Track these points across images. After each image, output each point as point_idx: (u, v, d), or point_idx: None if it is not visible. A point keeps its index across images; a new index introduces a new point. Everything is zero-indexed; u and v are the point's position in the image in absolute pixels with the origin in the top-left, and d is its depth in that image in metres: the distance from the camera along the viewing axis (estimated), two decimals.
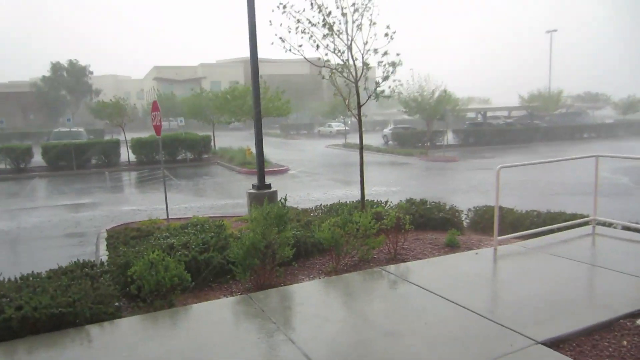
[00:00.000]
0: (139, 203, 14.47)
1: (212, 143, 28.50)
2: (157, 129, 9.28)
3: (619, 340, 3.95)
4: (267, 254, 5.61)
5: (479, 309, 4.56)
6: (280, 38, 7.52)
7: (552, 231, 7.31)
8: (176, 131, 33.14)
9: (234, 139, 39.80)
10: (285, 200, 6.32)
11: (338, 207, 8.70)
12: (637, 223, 7.35)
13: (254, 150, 21.57)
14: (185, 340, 4.16)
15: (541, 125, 43.45)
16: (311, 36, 7.46)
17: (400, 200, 8.91)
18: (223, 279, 5.84)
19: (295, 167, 23.60)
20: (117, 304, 4.91)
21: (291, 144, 41.60)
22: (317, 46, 7.53)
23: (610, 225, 7.52)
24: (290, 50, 7.66)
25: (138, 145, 24.91)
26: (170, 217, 10.10)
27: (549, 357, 3.67)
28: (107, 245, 7.61)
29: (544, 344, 3.86)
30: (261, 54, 9.18)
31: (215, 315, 4.71)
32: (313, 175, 21.03)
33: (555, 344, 3.88)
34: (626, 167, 20.31)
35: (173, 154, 25.79)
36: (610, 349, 3.81)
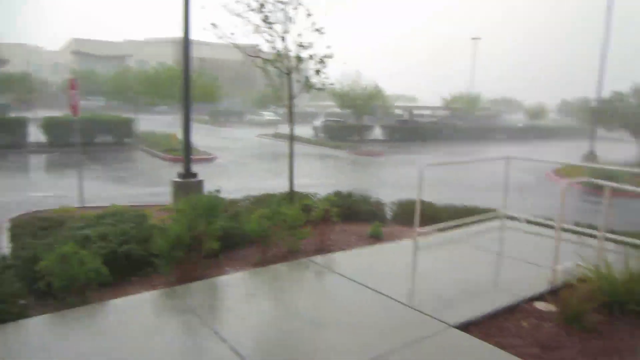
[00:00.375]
0: (49, 189, 13.46)
1: (135, 126, 27.28)
2: (74, 109, 8.76)
3: (519, 322, 4.30)
4: (193, 246, 5.53)
5: (399, 296, 4.77)
6: (213, 24, 7.37)
7: (466, 224, 7.83)
8: (95, 112, 31.28)
9: (158, 123, 38.19)
10: (219, 191, 6.24)
11: (267, 198, 8.70)
12: (537, 217, 8.10)
13: (180, 136, 20.94)
14: (102, 340, 3.95)
15: (462, 125, 46.00)
16: (247, 22, 7.37)
17: (329, 193, 9.07)
18: (144, 272, 5.65)
19: (224, 156, 23.18)
20: (22, 302, 4.53)
21: (220, 131, 40.68)
22: (255, 31, 7.43)
23: (515, 219, 8.20)
24: (222, 38, 7.54)
25: (50, 125, 22.83)
26: (85, 205, 9.57)
27: (460, 339, 3.95)
28: (11, 237, 6.95)
29: (456, 327, 4.14)
30: (196, 35, 8.93)
31: (136, 311, 4.53)
32: (242, 164, 20.79)
33: (465, 327, 4.17)
34: (532, 168, 22.09)
35: (91, 136, 23.92)
36: (512, 330, 4.14)
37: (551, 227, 7.34)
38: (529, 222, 8.03)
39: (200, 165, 18.95)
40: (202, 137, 31.84)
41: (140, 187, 14.30)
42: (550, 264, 5.29)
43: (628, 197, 13.68)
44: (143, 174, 17.24)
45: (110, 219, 6.84)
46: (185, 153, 9.36)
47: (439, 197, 11.74)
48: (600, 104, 24.54)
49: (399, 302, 4.66)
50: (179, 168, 10.09)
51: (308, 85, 7.64)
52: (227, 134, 37.97)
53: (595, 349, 3.85)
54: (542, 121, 58.50)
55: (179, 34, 8.82)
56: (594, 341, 3.99)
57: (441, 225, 7.58)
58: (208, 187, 9.29)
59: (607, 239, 5.97)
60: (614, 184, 5.60)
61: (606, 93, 24.81)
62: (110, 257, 5.42)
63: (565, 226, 7.27)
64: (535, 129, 51.07)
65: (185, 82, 8.99)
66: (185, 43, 8.68)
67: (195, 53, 9.20)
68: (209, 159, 21.62)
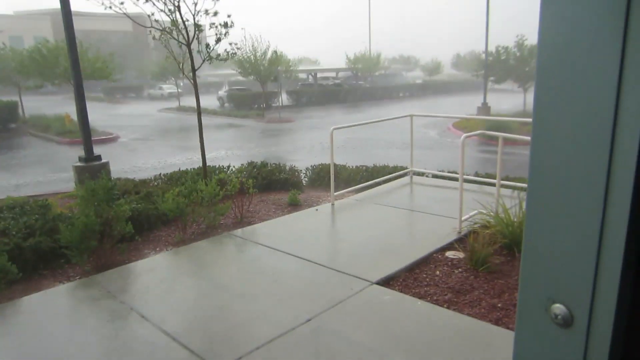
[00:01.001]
0: None
1: (20, 110, 24.79)
2: None
3: (433, 271, 4.61)
4: (105, 232, 5.29)
5: (322, 260, 4.91)
6: None
7: (378, 184, 8.20)
8: None
9: (47, 104, 35.10)
10: (108, 171, 5.95)
11: (179, 175, 8.48)
12: (442, 171, 8.68)
13: (73, 117, 19.38)
14: (17, 340, 3.73)
15: (364, 85, 47.24)
16: None
17: (242, 164, 9.02)
18: (57, 264, 5.35)
19: (126, 135, 21.96)
20: None
21: (118, 108, 38.30)
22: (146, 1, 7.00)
23: (423, 174, 8.72)
24: (110, 7, 7.02)
25: None
26: None
27: (382, 294, 4.15)
28: None
29: (378, 283, 4.36)
30: (76, 5, 8.21)
31: (52, 305, 4.30)
32: (147, 142, 19.86)
33: (386, 282, 4.41)
34: (434, 123, 23.47)
35: None
36: (427, 280, 4.43)
37: (455, 179, 7.91)
38: (435, 176, 8.58)
39: (103, 146, 17.83)
40: (100, 116, 29.82)
41: (37, 175, 13.19)
42: (457, 214, 5.74)
43: (520, 146, 15.09)
44: (38, 161, 15.87)
45: (8, 212, 6.32)
46: (84, 134, 8.74)
47: (351, 159, 12.21)
48: (488, 57, 26.30)
49: (322, 265, 4.78)
50: (78, 151, 9.46)
51: (210, 56, 7.41)
52: (127, 111, 35.84)
53: (499, 287, 4.24)
54: (439, 76, 61.79)
55: (52, 4, 8.05)
56: (497, 281, 4.33)
57: (355, 187, 7.87)
58: (114, 168, 8.85)
59: (503, 186, 6.58)
60: (506, 135, 6.15)
61: (493, 46, 26.66)
62: (15, 252, 5.06)
63: (467, 177, 7.89)
64: (433, 85, 52.83)
65: (73, 57, 8.30)
66: (67, 14, 7.97)
67: (76, 25, 8.49)
68: (110, 139, 20.37)
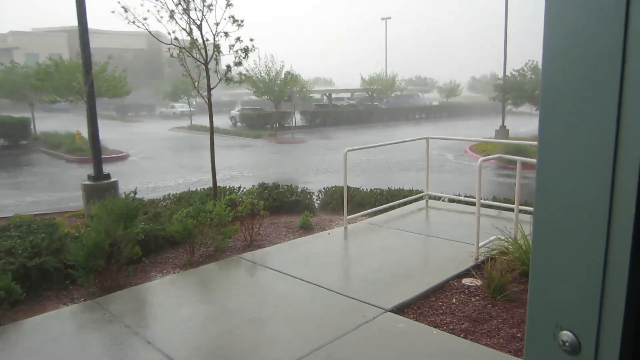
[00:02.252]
0: None
1: (31, 127, 25.29)
2: None
3: (449, 299, 4.53)
4: (113, 253, 5.31)
5: (334, 286, 4.84)
6: (124, 7, 7.02)
7: (393, 207, 8.16)
8: None
9: (59, 121, 35.80)
10: (135, 193, 6.01)
11: (189, 195, 8.51)
12: (459, 195, 8.63)
13: (84, 134, 19.68)
14: None
15: (380, 106, 47.64)
16: (163, 6, 7.08)
17: (253, 185, 9.06)
18: (62, 285, 5.35)
19: (137, 153, 22.23)
20: None
21: (130, 126, 38.93)
22: (171, 17, 7.14)
23: (439, 198, 8.67)
24: (134, 22, 7.18)
25: None
26: None
27: (396, 322, 4.06)
28: None
29: (392, 311, 4.29)
30: (90, 23, 8.40)
31: (55, 328, 4.26)
32: (157, 161, 20.06)
33: (400, 309, 4.33)
34: (451, 145, 23.44)
35: None
36: (443, 308, 4.35)
37: (472, 204, 7.85)
38: (451, 200, 8.54)
39: (112, 165, 18.06)
40: (111, 133, 30.30)
41: (45, 193, 13.35)
42: (474, 240, 5.67)
43: None
44: (48, 178, 16.09)
45: (15, 230, 6.37)
46: (94, 152, 8.85)
47: (365, 181, 12.22)
48: (506, 81, 26.38)
49: (334, 291, 4.72)
50: (87, 169, 9.59)
51: (228, 78, 7.52)
52: (138, 129, 36.39)
53: (518, 316, 4.14)
54: (456, 98, 62.12)
55: (70, 22, 8.29)
56: (516, 310, 4.26)
57: (369, 210, 7.84)
58: (123, 187, 8.92)
59: (522, 211, 6.50)
60: (524, 159, 6.11)
61: (509, 70, 26.79)
62: (20, 272, 5.07)
63: (485, 202, 7.82)
64: (450, 107, 54.63)
65: (87, 74, 8.47)
66: (83, 31, 8.11)
67: (92, 43, 8.70)
68: (120, 158, 20.62)
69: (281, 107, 33.54)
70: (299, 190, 9.17)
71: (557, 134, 0.83)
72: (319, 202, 9.50)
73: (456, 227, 6.82)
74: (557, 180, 0.83)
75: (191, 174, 16.28)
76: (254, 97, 35.90)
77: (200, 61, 7.39)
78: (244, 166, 18.16)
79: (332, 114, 39.28)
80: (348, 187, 7.68)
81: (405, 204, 8.38)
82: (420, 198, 8.57)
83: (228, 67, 7.45)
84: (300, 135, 30.10)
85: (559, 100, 0.82)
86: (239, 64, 7.43)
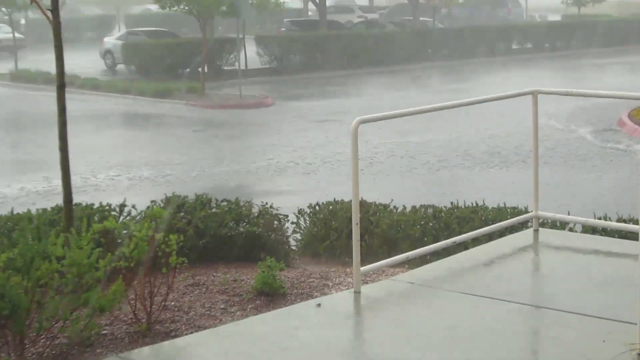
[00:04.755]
0: None
1: None
2: None
3: None
4: None
5: None
6: None
7: (463, 246, 7.83)
8: None
9: None
10: None
11: (13, 223, 8.45)
12: (603, 219, 8.42)
13: None
14: None
15: (433, 27, 47.57)
16: None
17: (152, 202, 8.88)
18: None
19: None
20: None
21: None
22: None
23: (562, 225, 8.47)
24: None
25: None
26: None
27: None
28: None
29: None
30: None
31: None
32: None
33: None
34: (587, 108, 23.52)
35: None
36: None
37: (633, 236, 7.67)
38: (587, 229, 8.30)
39: None
40: None
41: None
42: (635, 315, 5.48)
43: None
44: None
45: None
46: None
47: (398, 187, 11.91)
48: None
49: None
50: None
51: None
52: None
53: None
54: (597, 7, 61.61)
55: None
56: None
57: (410, 253, 7.59)
58: None
59: None
60: None
61: None
62: None
63: None
64: (584, 26, 53.56)
65: None
66: None
67: None
68: None
69: (215, 28, 33.35)
70: (256, 210, 8.98)
71: None
72: (298, 235, 9.38)
73: (599, 288, 6.57)
74: None
75: (17, 178, 16.20)
76: (152, 9, 35.73)
77: None
78: (138, 159, 18.03)
79: (326, 43, 39.32)
80: (363, 203, 7.46)
81: (489, 238, 8.15)
82: (523, 225, 8.40)
83: None
84: (255, 91, 30.26)
85: None
86: None
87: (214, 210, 8.93)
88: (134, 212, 8.57)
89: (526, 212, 8.57)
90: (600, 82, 31.17)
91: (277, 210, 9.27)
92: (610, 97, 8.67)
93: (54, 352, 6.16)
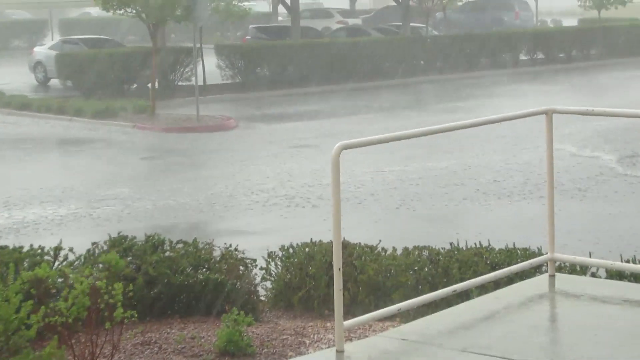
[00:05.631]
0: None
1: None
2: None
3: None
4: None
5: None
6: None
7: (465, 295, 7.92)
8: None
9: None
10: None
11: None
12: (633, 261, 8.48)
13: None
14: None
15: (426, 34, 47.79)
16: None
17: (93, 245, 8.86)
18: None
19: None
20: None
21: None
22: None
23: (583, 269, 8.57)
24: None
25: None
26: None
27: None
28: None
29: None
30: None
31: None
32: None
33: None
34: (610, 130, 23.59)
35: None
36: None
37: None
38: (613, 273, 8.41)
39: None
40: None
41: None
42: None
43: None
44: None
45: None
46: None
47: (387, 225, 11.92)
48: None
49: None
50: None
51: None
52: None
53: None
54: (620, 11, 61.96)
55: None
56: None
57: (403, 303, 7.61)
58: None
59: None
60: None
61: None
62: None
63: None
64: (606, 30, 53.34)
65: None
66: None
67: None
68: None
69: (167, 36, 33.37)
70: (218, 254, 9.02)
71: None
72: (269, 283, 9.38)
73: (628, 346, 6.58)
74: None
75: None
76: (92, 13, 35.63)
77: None
78: (73, 194, 17.91)
79: (299, 54, 39.26)
80: (346, 245, 7.47)
81: (496, 286, 8.21)
82: (536, 270, 8.46)
83: None
84: (216, 111, 30.09)
85: None
86: None
87: (167, 253, 8.90)
88: (71, 257, 8.48)
89: (540, 254, 8.57)
90: (626, 99, 31.42)
91: (243, 253, 9.28)
92: (637, 116, 8.72)
93: None
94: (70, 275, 7.13)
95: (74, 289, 6.64)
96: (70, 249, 8.64)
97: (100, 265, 7.98)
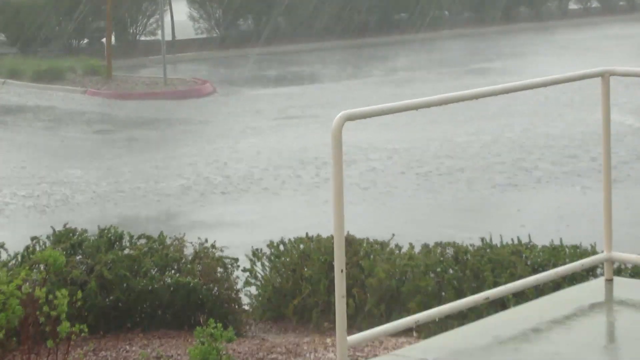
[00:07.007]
0: None
1: None
2: None
3: None
4: None
5: None
6: None
7: (499, 303, 7.95)
8: None
9: None
10: None
11: None
12: None
13: None
14: None
15: None
16: None
17: (33, 241, 8.84)
18: None
19: None
20: None
21: None
22: None
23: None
24: None
25: None
26: None
27: None
28: None
29: None
30: None
31: None
32: None
33: None
34: None
35: None
36: None
37: None
38: None
39: None
40: None
41: None
42: None
43: None
44: None
45: None
46: None
47: (399, 216, 11.92)
48: None
49: None
50: None
51: None
52: None
53: None
54: None
55: None
56: None
57: (419, 315, 7.60)
58: None
59: None
60: None
61: None
62: None
63: None
64: None
65: None
66: None
67: None
68: None
69: None
70: (190, 252, 9.02)
71: None
72: (254, 289, 9.38)
73: None
74: None
75: None
76: None
77: None
78: (7, 176, 17.94)
79: (291, 1, 39.24)
80: (351, 240, 7.46)
81: (539, 292, 8.26)
82: (589, 273, 8.48)
83: None
84: (188, 73, 30.39)
85: None
86: None
87: (127, 251, 8.85)
88: (4, 255, 8.48)
89: (594, 252, 8.56)
90: None
91: (221, 251, 9.20)
92: None
93: None
94: (0, 277, 7.09)
95: (2, 293, 6.60)
96: (2, 245, 8.60)
97: (42, 267, 7.93)
